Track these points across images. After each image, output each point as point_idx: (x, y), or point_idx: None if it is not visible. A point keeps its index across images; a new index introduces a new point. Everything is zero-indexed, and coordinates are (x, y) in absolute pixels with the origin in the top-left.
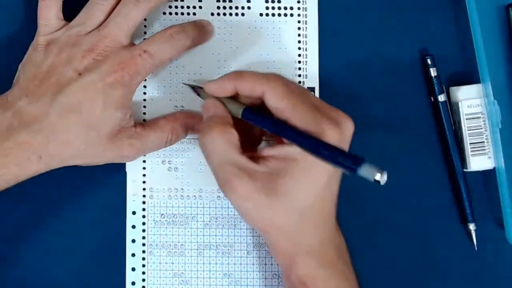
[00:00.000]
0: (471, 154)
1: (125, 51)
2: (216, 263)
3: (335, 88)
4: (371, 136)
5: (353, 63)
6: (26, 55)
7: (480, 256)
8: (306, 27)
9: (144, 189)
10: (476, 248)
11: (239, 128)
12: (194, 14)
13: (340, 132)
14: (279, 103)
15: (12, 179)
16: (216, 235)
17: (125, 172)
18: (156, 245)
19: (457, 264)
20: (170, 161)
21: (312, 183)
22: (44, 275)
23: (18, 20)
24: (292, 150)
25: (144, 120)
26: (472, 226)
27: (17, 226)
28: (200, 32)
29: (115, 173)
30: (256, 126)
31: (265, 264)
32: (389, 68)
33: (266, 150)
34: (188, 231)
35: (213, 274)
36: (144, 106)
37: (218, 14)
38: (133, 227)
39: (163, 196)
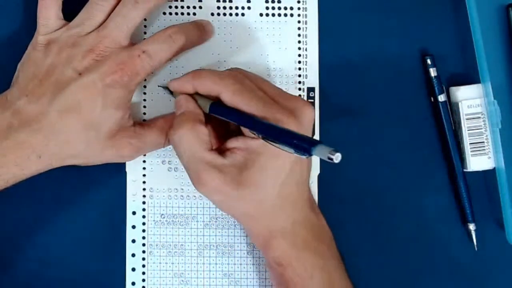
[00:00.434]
0: (471, 154)
1: (125, 51)
2: (216, 263)
3: (335, 88)
4: (371, 135)
5: (353, 63)
6: (25, 54)
7: (480, 256)
8: (306, 27)
9: (144, 189)
10: (476, 248)
11: (216, 122)
12: (194, 14)
13: (296, 120)
14: (233, 101)
15: (12, 178)
16: (216, 235)
17: (125, 172)
18: (156, 245)
19: (457, 264)
20: (170, 161)
21: (276, 173)
22: (44, 275)
23: (18, 20)
24: (255, 143)
25: (144, 120)
26: (472, 226)
27: (17, 226)
28: (199, 32)
29: (115, 173)
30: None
31: (265, 264)
32: (389, 68)
33: (230, 141)
34: (188, 231)
35: (213, 274)
36: (144, 106)
37: (218, 14)
38: (133, 227)
39: (163, 196)
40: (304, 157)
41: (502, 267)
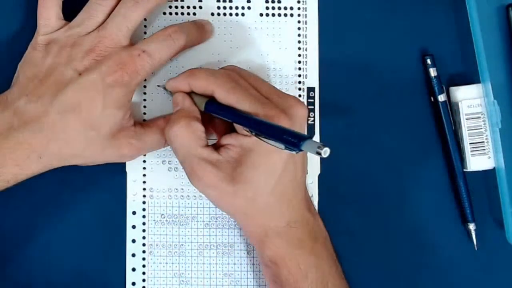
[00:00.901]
0: (471, 154)
1: (125, 51)
2: (216, 263)
3: (335, 88)
4: (371, 135)
5: (353, 63)
6: (25, 54)
7: (480, 256)
8: (306, 27)
9: (144, 189)
10: (476, 248)
11: (217, 120)
12: (194, 14)
13: (289, 118)
14: (226, 99)
15: (12, 178)
16: (216, 235)
17: (125, 172)
18: (157, 245)
19: (457, 264)
20: (170, 161)
21: (269, 171)
22: (44, 275)
23: (18, 20)
24: (247, 140)
25: (144, 120)
26: (472, 226)
27: (17, 226)
28: (199, 31)
29: (115, 173)
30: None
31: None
32: (389, 68)
33: (224, 138)
34: (188, 231)
35: (213, 274)
36: (144, 106)
37: (218, 14)
38: (133, 227)
39: (163, 196)
40: (294, 152)
41: (502, 267)
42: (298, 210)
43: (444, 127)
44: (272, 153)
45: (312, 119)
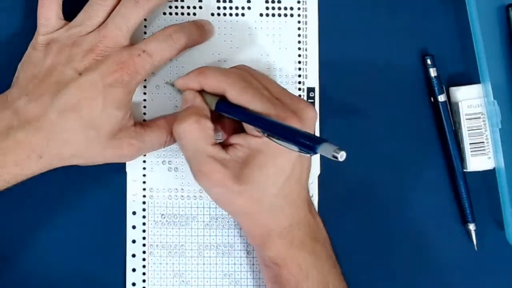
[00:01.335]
0: (471, 154)
1: (125, 51)
2: (216, 263)
3: (335, 88)
4: (371, 136)
5: (353, 63)
6: (25, 54)
7: (480, 256)
8: (306, 27)
9: (144, 189)
10: (476, 248)
11: (227, 119)
12: (194, 14)
13: (299, 121)
14: (238, 99)
15: (12, 178)
16: (216, 235)
17: (125, 172)
18: (157, 245)
19: (457, 264)
20: (170, 161)
21: (277, 172)
22: (44, 275)
23: (18, 20)
24: (256, 141)
25: (144, 120)
26: (472, 226)
27: (17, 226)
28: (199, 31)
29: (115, 173)
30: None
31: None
32: (389, 68)
33: (233, 137)
34: (189, 232)
35: (213, 274)
36: (144, 106)
37: (218, 14)
38: (134, 227)
39: (163, 196)
40: (308, 155)
41: (502, 267)
42: (301, 212)
43: (444, 127)
44: (281, 155)
45: None
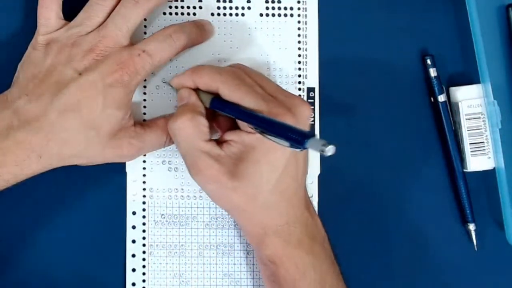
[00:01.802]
0: (471, 154)
1: (125, 51)
2: (216, 263)
3: (335, 88)
4: (371, 135)
5: (353, 63)
6: (25, 54)
7: (480, 256)
8: (306, 27)
9: (144, 189)
10: (476, 248)
11: (217, 118)
12: (194, 14)
13: (293, 117)
14: (231, 96)
15: (12, 178)
16: (216, 235)
17: (125, 172)
18: (157, 245)
19: (457, 264)
20: (170, 161)
21: (270, 169)
22: (44, 275)
23: (18, 20)
24: (249, 138)
25: (144, 120)
26: (472, 226)
27: (17, 226)
28: (199, 31)
29: (115, 173)
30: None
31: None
32: (389, 68)
33: (227, 134)
34: (189, 232)
35: (213, 274)
36: (144, 106)
37: (218, 14)
38: (133, 227)
39: (163, 196)
40: (298, 150)
41: (502, 267)
42: (298, 210)
43: (444, 127)
44: (274, 151)
45: (312, 119)
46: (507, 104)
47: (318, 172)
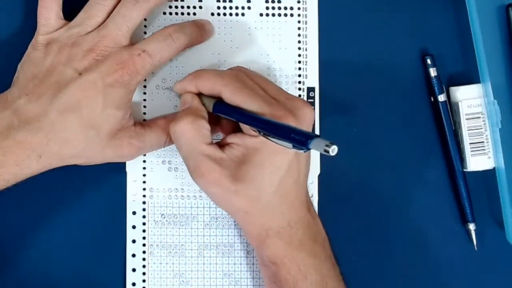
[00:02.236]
0: (471, 154)
1: (125, 51)
2: (216, 263)
3: (335, 88)
4: (371, 135)
5: (353, 63)
6: (25, 54)
7: (480, 256)
8: (306, 27)
9: (144, 189)
10: (476, 248)
11: (220, 122)
12: (194, 14)
13: (295, 119)
14: (233, 99)
15: (12, 178)
16: (216, 235)
17: (125, 172)
18: (157, 245)
19: (457, 264)
20: (170, 161)
21: (273, 171)
22: (44, 275)
23: (18, 20)
24: (252, 140)
25: (144, 120)
26: (472, 226)
27: (17, 226)
28: (199, 31)
29: (115, 173)
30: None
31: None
32: (389, 68)
33: (229, 137)
34: (189, 231)
35: (213, 274)
36: (144, 106)
37: (218, 14)
38: (134, 227)
39: (163, 196)
40: (302, 151)
41: (502, 267)
42: (300, 211)
43: (444, 127)
44: (277, 153)
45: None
46: (507, 104)
47: (318, 172)
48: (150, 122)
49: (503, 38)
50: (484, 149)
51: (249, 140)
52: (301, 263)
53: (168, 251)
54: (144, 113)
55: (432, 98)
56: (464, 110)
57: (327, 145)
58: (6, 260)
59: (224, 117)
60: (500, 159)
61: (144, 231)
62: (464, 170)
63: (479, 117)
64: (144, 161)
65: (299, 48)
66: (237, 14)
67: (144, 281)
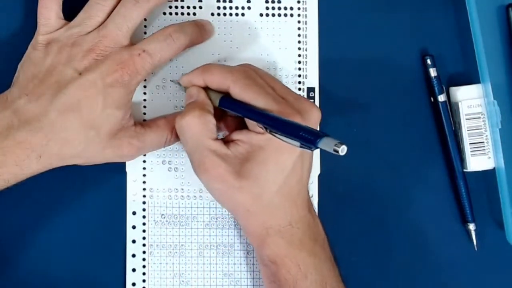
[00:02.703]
0: (471, 154)
1: (125, 51)
2: (216, 263)
3: (335, 88)
4: (371, 136)
5: (353, 63)
6: (25, 54)
7: (480, 256)
8: (306, 27)
9: (144, 189)
10: (476, 248)
11: (225, 117)
12: (194, 14)
13: (302, 120)
14: (242, 95)
15: (12, 178)
16: (216, 235)
17: (125, 172)
18: (157, 245)
19: (457, 264)
20: (170, 161)
21: (277, 169)
22: (44, 275)
23: (18, 20)
24: (257, 138)
25: (144, 120)
26: (472, 226)
27: (17, 226)
28: (199, 31)
29: (115, 173)
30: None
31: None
32: (389, 68)
33: (235, 133)
34: (189, 232)
35: (213, 274)
36: (144, 106)
37: (218, 14)
38: (134, 227)
39: (163, 196)
40: (309, 150)
41: (502, 267)
42: (301, 211)
43: (444, 127)
44: (282, 152)
45: None
46: (507, 104)
47: (318, 172)
48: (150, 122)
49: (503, 38)
50: (484, 149)
51: (254, 137)
52: (301, 262)
53: (168, 251)
54: (144, 113)
55: (432, 98)
56: (464, 110)
57: (336, 145)
58: (6, 260)
59: (230, 113)
60: (500, 159)
61: (144, 231)
62: (464, 170)
63: (479, 117)
64: (144, 161)
65: (299, 48)
66: (237, 14)
67: (144, 281)
